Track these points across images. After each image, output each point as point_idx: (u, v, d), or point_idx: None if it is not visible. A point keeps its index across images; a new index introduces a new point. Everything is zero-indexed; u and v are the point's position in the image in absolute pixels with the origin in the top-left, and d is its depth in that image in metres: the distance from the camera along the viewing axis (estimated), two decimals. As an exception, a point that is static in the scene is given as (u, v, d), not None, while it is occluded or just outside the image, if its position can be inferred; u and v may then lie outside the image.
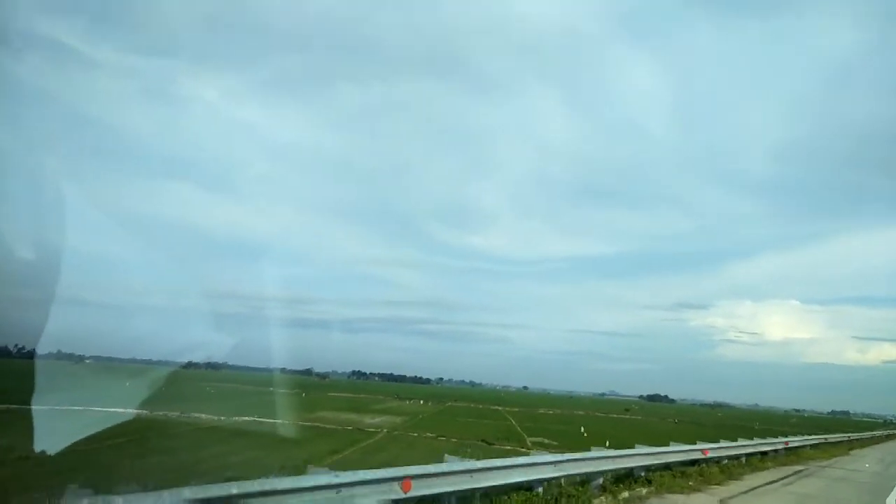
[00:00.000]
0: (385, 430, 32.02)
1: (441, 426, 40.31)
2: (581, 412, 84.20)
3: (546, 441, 35.41)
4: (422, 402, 75.59)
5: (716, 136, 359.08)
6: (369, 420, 41.55)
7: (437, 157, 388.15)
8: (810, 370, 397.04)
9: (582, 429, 46.23)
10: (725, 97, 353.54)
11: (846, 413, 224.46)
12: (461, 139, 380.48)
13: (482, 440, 30.26)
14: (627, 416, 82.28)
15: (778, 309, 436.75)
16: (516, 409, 77.08)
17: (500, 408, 78.22)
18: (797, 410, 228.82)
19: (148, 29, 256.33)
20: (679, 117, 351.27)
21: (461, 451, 13.74)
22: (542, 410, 79.63)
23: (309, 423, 33.01)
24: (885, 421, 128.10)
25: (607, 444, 23.74)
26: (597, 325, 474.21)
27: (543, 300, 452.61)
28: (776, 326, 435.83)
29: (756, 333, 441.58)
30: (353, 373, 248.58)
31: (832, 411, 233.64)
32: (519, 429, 44.21)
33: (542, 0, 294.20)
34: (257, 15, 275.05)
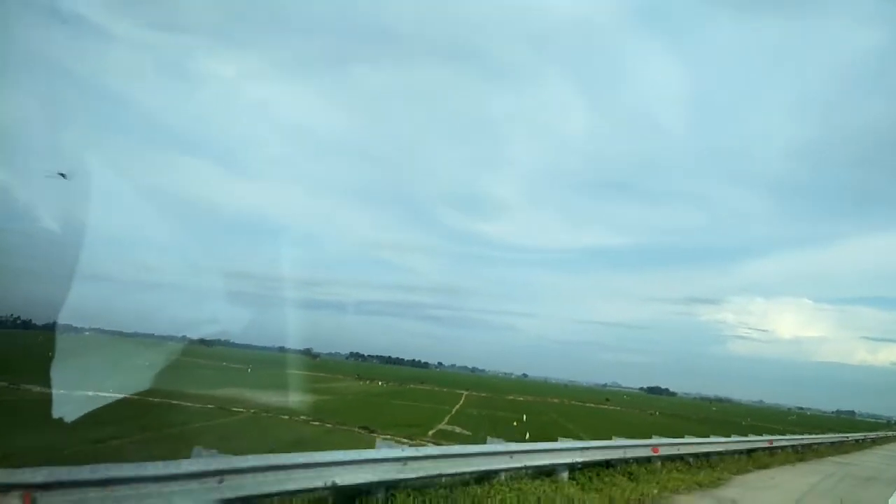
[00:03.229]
0: (252, 412, 27.07)
1: (357, 409, 35.59)
2: (556, 400, 79.32)
3: (458, 430, 30.40)
4: (380, 383, 71.10)
5: (731, 132, 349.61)
6: (278, 399, 36.77)
7: (452, 143, 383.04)
8: (818, 369, 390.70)
9: (524, 417, 41.07)
10: (742, 94, 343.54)
11: (851, 413, 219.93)
12: (476, 127, 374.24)
13: (364, 427, 25.18)
14: (605, 407, 77.08)
15: (789, 307, 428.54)
16: (483, 395, 72.26)
17: (466, 392, 73.32)
18: (801, 408, 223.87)
19: (167, 5, 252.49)
20: (695, 112, 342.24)
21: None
22: (511, 397, 74.61)
23: (188, 401, 28.51)
24: (889, 422, 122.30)
25: (527, 436, 22.35)
26: (604, 317, 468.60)
27: (551, 289, 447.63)
28: (786, 324, 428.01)
29: (766, 330, 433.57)
30: (351, 354, 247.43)
31: (837, 410, 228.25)
32: (450, 415, 39.19)
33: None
34: None
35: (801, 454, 19.74)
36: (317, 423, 25.81)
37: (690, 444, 13.41)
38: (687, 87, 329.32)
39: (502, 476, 8.86)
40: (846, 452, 22.53)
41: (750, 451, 17.87)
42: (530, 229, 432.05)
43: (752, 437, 21.88)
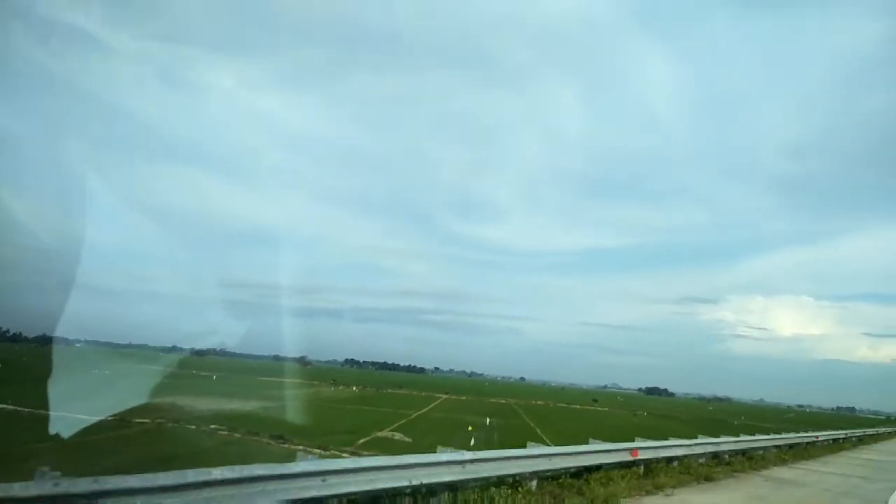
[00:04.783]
0: (158, 422, 24.29)
1: (298, 416, 32.79)
2: (540, 402, 76.49)
3: (397, 437, 27.64)
4: (354, 388, 68.39)
5: (732, 130, 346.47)
6: (213, 407, 34.07)
7: (451, 148, 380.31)
8: (819, 366, 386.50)
9: (488, 420, 38.25)
10: (742, 91, 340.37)
11: (852, 409, 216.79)
12: (476, 131, 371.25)
13: (279, 437, 22.41)
14: (591, 409, 74.19)
15: (789, 304, 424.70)
16: (463, 398, 69.48)
17: (445, 395, 70.47)
18: (801, 406, 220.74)
19: (165, 16, 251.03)
20: (695, 111, 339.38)
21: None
22: (492, 400, 71.68)
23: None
24: (889, 418, 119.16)
25: (472, 442, 21.33)
26: (603, 318, 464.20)
27: (551, 292, 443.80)
28: (787, 322, 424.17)
29: (766, 329, 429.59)
30: (347, 361, 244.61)
31: (837, 407, 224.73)
32: (404, 421, 36.43)
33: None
34: (275, 5, 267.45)
35: (730, 465, 14.22)
36: (225, 432, 23.02)
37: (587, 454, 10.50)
38: (686, 86, 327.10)
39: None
40: (809, 458, 18.86)
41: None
42: (529, 232, 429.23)
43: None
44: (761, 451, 16.91)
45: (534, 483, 8.72)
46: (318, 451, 20.53)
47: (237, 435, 22.34)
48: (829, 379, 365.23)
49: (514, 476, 8.60)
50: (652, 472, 11.30)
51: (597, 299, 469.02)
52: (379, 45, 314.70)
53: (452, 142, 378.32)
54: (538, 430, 37.32)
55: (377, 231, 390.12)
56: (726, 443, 15.86)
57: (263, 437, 22.10)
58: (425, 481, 7.43)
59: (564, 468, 9.58)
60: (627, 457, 10.92)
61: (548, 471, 9.24)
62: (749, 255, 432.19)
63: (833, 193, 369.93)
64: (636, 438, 13.05)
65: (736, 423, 63.06)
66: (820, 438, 22.06)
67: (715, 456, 14.74)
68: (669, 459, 12.49)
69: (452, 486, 7.56)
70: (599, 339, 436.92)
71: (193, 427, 23.46)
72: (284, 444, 21.40)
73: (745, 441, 16.96)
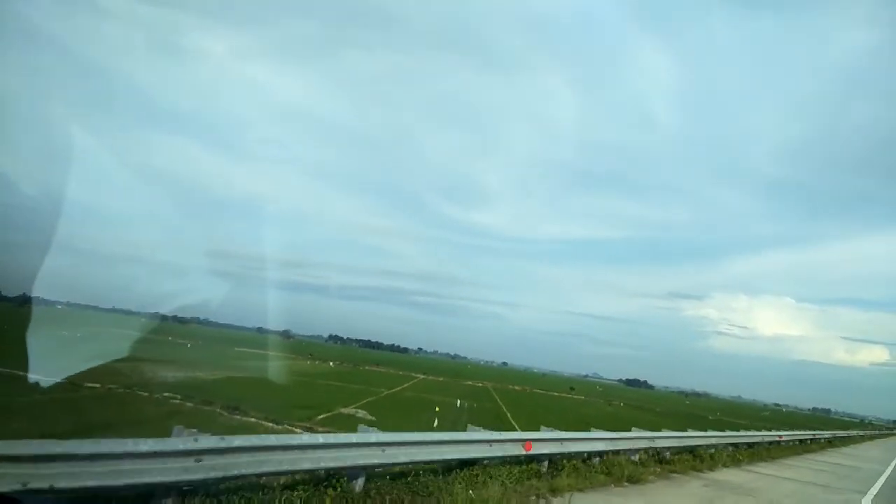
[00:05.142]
0: (109, 388, 23.38)
1: (263, 389, 32.01)
2: (518, 388, 76.35)
3: (360, 414, 26.90)
4: (331, 363, 67.70)
5: (724, 130, 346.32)
6: (179, 375, 33.19)
7: (443, 130, 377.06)
8: (797, 367, 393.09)
9: (459, 402, 37.68)
10: (736, 93, 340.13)
11: (827, 411, 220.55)
12: (469, 115, 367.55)
13: (233, 407, 21.58)
14: (567, 396, 74.18)
15: (772, 305, 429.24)
16: (440, 379, 69.02)
17: (422, 376, 69.99)
18: (777, 405, 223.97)
19: None
20: (688, 109, 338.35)
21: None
22: (469, 382, 71.37)
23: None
24: (863, 421, 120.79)
25: (436, 423, 20.88)
26: (589, 309, 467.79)
27: (538, 280, 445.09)
28: (768, 322, 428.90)
29: (747, 327, 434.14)
30: (331, 337, 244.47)
31: (813, 408, 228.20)
32: (373, 399, 35.75)
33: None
34: None
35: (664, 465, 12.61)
36: (178, 400, 22.13)
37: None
38: (681, 82, 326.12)
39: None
40: (768, 459, 17.12)
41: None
42: (519, 219, 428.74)
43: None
44: (712, 450, 15.34)
45: (359, 482, 6.68)
46: (270, 423, 19.73)
47: (189, 404, 21.43)
48: (807, 380, 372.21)
49: (331, 470, 6.53)
50: (558, 471, 9.51)
51: (583, 290, 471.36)
52: (375, 23, 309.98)
53: (444, 124, 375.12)
54: (509, 415, 36.87)
55: (366, 209, 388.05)
56: (665, 438, 13.52)
57: (216, 406, 21.22)
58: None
59: (422, 461, 7.62)
60: (519, 450, 9.00)
61: (394, 465, 7.31)
62: (735, 254, 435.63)
63: (820, 199, 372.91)
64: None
65: (711, 417, 63.32)
66: (784, 438, 20.98)
67: (657, 454, 12.92)
68: (590, 455, 10.64)
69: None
70: (584, 328, 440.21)
71: (146, 394, 22.53)
72: (237, 415, 20.57)
73: (691, 437, 14.85)
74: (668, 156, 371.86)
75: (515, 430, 17.25)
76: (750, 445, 18.14)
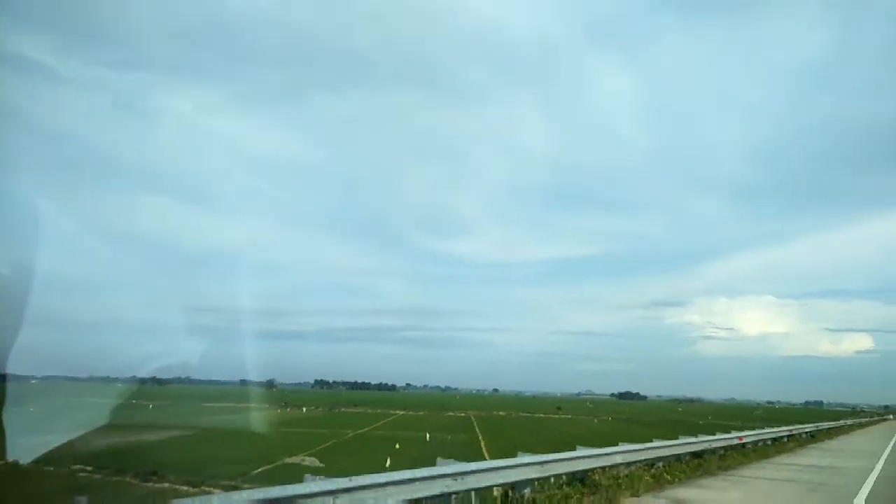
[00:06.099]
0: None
1: (208, 444, 29.52)
2: (503, 413, 73.84)
3: (306, 462, 24.54)
4: (304, 409, 64.64)
5: (689, 140, 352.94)
6: (113, 441, 30.54)
7: (416, 165, 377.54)
8: (786, 363, 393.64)
9: (427, 436, 35.29)
10: (697, 103, 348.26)
11: (819, 403, 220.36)
12: (439, 148, 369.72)
13: (151, 473, 19.16)
14: (553, 416, 71.77)
15: (753, 304, 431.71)
16: (420, 413, 66.26)
17: (402, 412, 67.15)
18: (770, 403, 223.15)
19: (117, 43, 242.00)
20: (652, 123, 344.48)
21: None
22: (450, 413, 68.69)
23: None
24: (854, 409, 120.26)
25: (388, 463, 19.27)
26: (575, 326, 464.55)
27: (521, 303, 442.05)
28: (752, 321, 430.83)
29: (732, 329, 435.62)
30: (317, 382, 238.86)
31: (806, 402, 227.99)
32: (331, 443, 33.30)
33: (515, 10, 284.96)
34: (232, 28, 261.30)
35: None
36: (87, 472, 19.67)
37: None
38: (644, 98, 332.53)
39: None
40: (735, 467, 13.87)
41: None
42: (499, 245, 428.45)
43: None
44: (661, 464, 11.84)
45: None
46: (186, 487, 17.39)
47: (97, 476, 18.97)
48: (797, 374, 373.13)
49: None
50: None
51: (567, 308, 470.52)
52: (341, 65, 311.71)
53: (419, 159, 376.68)
54: (482, 444, 34.67)
55: (345, 250, 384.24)
56: (585, 458, 9.52)
57: (128, 475, 18.78)
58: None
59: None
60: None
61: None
62: (712, 258, 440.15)
63: (790, 195, 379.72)
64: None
65: (702, 422, 61.42)
66: (745, 439, 18.02)
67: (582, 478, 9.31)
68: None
69: None
70: (571, 347, 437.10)
71: (52, 469, 19.95)
72: (150, 481, 18.18)
73: (582, 458, 9.52)
74: (639, 170, 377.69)
75: (485, 459, 15.30)
76: (696, 455, 14.13)
